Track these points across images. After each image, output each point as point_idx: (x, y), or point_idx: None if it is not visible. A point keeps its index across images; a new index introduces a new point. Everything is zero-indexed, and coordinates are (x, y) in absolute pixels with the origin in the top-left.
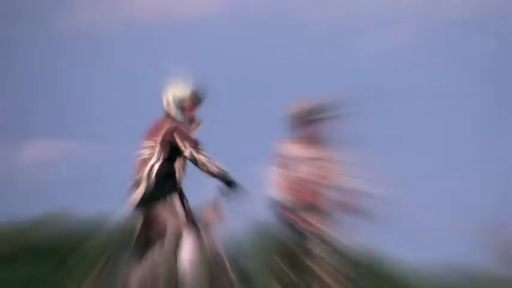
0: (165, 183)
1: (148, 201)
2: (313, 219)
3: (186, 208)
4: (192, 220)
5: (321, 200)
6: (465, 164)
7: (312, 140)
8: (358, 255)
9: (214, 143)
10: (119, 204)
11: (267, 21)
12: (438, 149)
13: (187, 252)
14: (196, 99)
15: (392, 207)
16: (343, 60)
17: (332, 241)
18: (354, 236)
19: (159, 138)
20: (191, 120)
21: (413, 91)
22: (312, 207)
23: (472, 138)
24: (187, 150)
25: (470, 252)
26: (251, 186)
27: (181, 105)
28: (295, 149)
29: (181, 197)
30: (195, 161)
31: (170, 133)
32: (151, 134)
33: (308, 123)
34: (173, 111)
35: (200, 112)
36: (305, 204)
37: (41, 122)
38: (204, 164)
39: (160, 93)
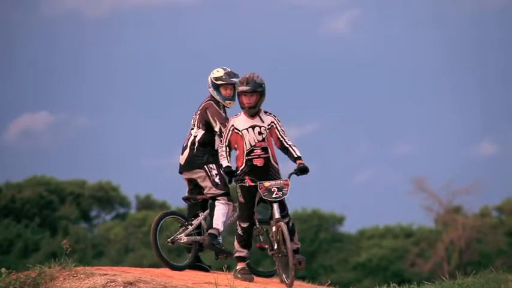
0: (205, 151)
1: (191, 167)
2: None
3: (222, 176)
4: (226, 186)
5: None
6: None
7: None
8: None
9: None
10: (96, 171)
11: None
12: (389, 119)
13: (218, 214)
14: (227, 78)
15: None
16: (303, 39)
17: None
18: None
19: (198, 113)
20: (227, 98)
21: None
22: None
23: (417, 111)
24: (217, 126)
25: (413, 212)
26: None
27: (216, 85)
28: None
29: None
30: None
31: (204, 109)
32: (197, 109)
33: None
34: (211, 90)
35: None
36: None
37: (27, 98)
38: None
39: (141, 72)
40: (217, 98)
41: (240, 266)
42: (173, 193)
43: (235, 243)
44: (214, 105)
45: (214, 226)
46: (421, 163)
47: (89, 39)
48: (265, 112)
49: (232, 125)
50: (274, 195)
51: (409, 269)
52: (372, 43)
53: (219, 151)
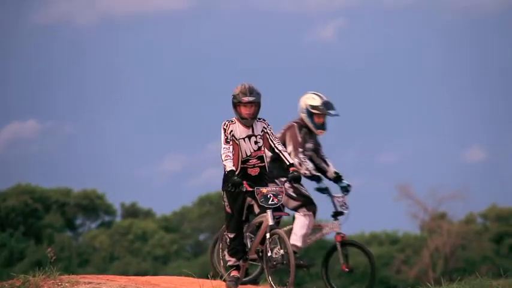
0: (274, 166)
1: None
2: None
3: (296, 188)
4: (302, 196)
5: None
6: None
7: None
8: None
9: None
10: (82, 179)
11: (231, 15)
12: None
13: (296, 228)
14: (324, 110)
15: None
16: (291, 47)
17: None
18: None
19: (281, 131)
20: (319, 127)
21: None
22: None
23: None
24: (288, 148)
25: (399, 219)
26: None
27: (310, 112)
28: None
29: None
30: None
31: (286, 129)
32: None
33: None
34: (304, 116)
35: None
36: None
37: (15, 107)
38: (296, 166)
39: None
40: (309, 125)
41: (232, 273)
42: (159, 201)
43: (226, 250)
44: (296, 129)
45: (292, 242)
46: (407, 170)
47: (78, 48)
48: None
49: (232, 131)
50: (270, 202)
51: (394, 276)
52: (358, 51)
53: (223, 151)
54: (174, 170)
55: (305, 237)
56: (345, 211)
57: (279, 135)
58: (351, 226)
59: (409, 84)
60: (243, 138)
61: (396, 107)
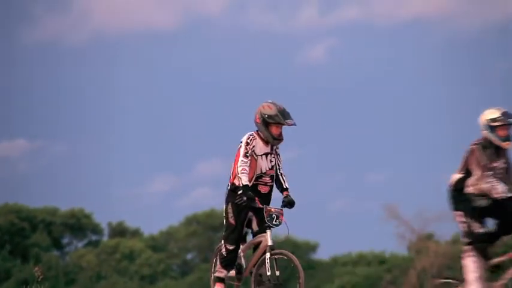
0: (455, 196)
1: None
2: None
3: (469, 225)
4: (471, 235)
5: None
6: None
7: None
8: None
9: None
10: (71, 198)
11: (221, 33)
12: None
13: (466, 273)
14: (505, 119)
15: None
16: (283, 66)
17: None
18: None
19: (464, 154)
20: (504, 139)
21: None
22: None
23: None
24: (475, 173)
25: (386, 240)
26: None
27: (491, 127)
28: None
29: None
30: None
31: (467, 153)
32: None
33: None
34: (485, 133)
35: None
36: None
37: (5, 126)
38: (489, 191)
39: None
40: (494, 139)
41: (217, 286)
42: (146, 220)
43: (218, 261)
44: (478, 151)
45: None
46: (395, 190)
47: (67, 67)
48: None
49: (254, 146)
50: (274, 222)
51: None
52: (347, 72)
53: (240, 163)
54: (162, 190)
55: (480, 279)
56: None
57: (462, 161)
58: (338, 246)
59: (398, 104)
60: (261, 155)
61: (385, 127)
